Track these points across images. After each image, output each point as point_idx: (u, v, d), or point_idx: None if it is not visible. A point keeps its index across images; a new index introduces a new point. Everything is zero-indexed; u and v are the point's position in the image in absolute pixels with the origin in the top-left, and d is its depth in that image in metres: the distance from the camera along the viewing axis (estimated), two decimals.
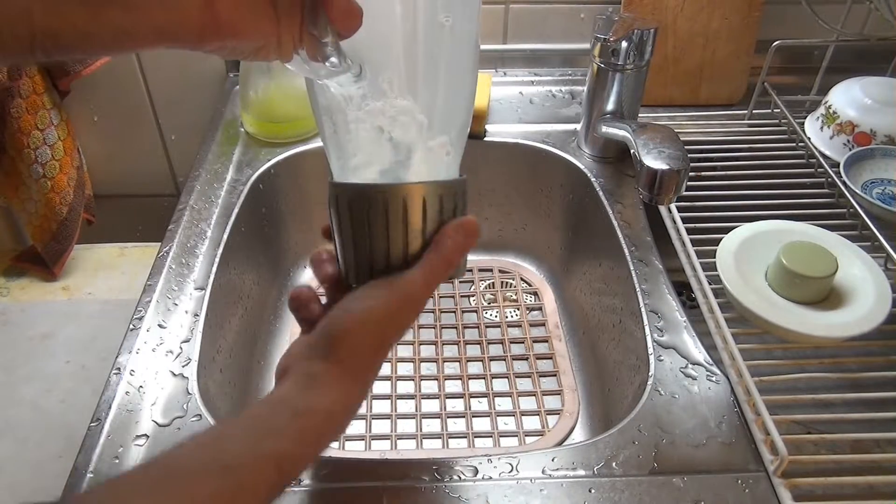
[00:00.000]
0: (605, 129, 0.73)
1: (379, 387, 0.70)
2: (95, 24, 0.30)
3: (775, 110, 0.81)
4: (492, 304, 0.79)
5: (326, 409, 0.37)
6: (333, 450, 0.63)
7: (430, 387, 0.70)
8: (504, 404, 0.68)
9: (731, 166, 0.75)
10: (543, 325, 0.77)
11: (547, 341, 0.75)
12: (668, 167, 0.57)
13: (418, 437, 0.65)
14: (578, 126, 0.80)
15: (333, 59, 0.37)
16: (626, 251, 0.67)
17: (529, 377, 0.71)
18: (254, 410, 0.37)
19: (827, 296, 0.57)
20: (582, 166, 0.78)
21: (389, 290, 0.40)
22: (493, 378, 0.71)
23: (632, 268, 0.65)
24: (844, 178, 0.68)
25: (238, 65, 0.81)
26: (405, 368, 0.72)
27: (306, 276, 0.82)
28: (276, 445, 0.34)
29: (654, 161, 0.58)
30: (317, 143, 0.80)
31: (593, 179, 0.76)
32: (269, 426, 0.35)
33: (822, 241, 0.59)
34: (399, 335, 0.41)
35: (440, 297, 0.80)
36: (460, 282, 0.82)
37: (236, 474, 0.32)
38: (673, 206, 0.68)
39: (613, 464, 0.49)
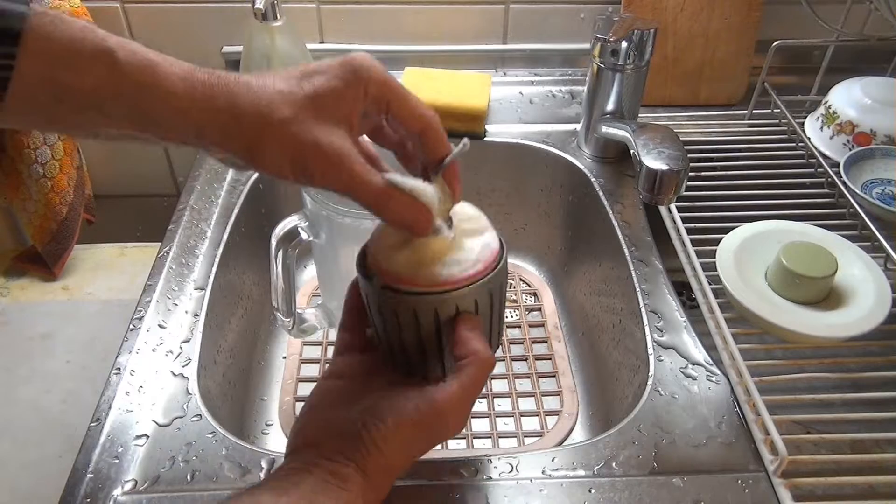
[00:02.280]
0: (604, 129, 0.73)
1: None
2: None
3: (775, 110, 0.81)
4: None
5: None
6: None
7: None
8: (504, 405, 0.68)
9: (731, 166, 0.75)
10: (543, 325, 0.77)
11: (546, 342, 0.75)
12: (668, 167, 0.57)
13: None
14: (578, 126, 0.80)
15: None
16: (626, 251, 0.67)
17: (529, 378, 0.71)
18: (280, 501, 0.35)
19: (827, 296, 0.57)
20: (582, 166, 0.78)
21: (423, 402, 0.38)
22: (492, 379, 0.71)
23: (632, 268, 0.65)
24: (844, 178, 0.68)
25: (238, 65, 0.81)
26: None
27: (306, 276, 0.82)
28: None
29: (653, 161, 0.58)
30: None
31: (593, 179, 0.76)
32: None
33: (822, 241, 0.59)
34: (428, 448, 0.39)
35: None
36: None
37: None
38: (673, 206, 0.68)
39: (613, 464, 0.49)
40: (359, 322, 0.45)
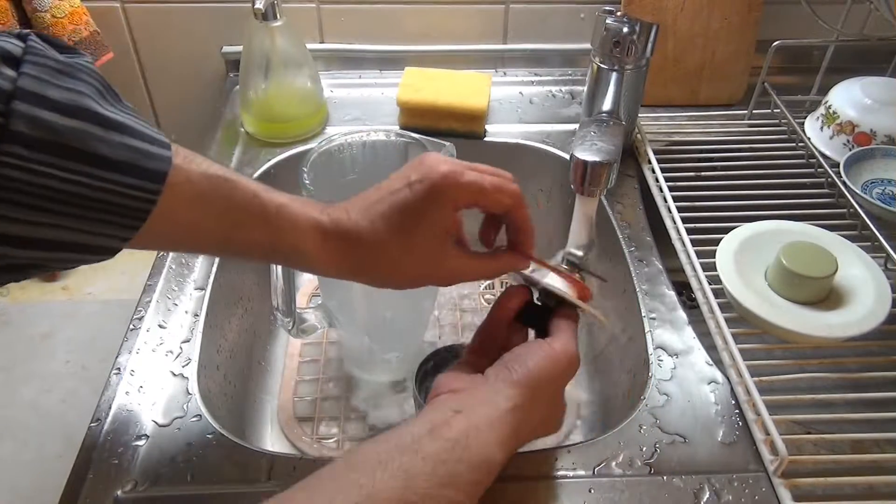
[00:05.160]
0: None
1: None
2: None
3: (775, 110, 0.81)
4: (491, 304, 0.79)
5: (500, 462, 0.39)
6: (334, 450, 0.63)
7: None
8: None
9: (731, 166, 0.75)
10: None
11: None
12: (596, 159, 0.57)
13: None
14: (578, 126, 0.80)
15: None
16: (625, 251, 0.67)
17: None
18: (437, 447, 0.37)
19: (827, 296, 0.57)
20: None
21: (546, 346, 0.44)
22: None
23: (632, 268, 0.65)
24: (844, 178, 0.68)
25: (238, 65, 0.81)
26: None
27: (306, 276, 0.82)
28: (453, 496, 0.36)
29: (583, 153, 0.58)
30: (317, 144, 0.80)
31: None
32: (451, 473, 0.37)
33: (822, 241, 0.59)
34: (559, 386, 0.45)
35: (440, 297, 0.80)
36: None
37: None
38: (673, 206, 0.68)
39: (613, 464, 0.49)
40: (490, 347, 0.47)
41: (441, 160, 0.42)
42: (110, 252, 0.37)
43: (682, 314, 0.61)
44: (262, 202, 0.41)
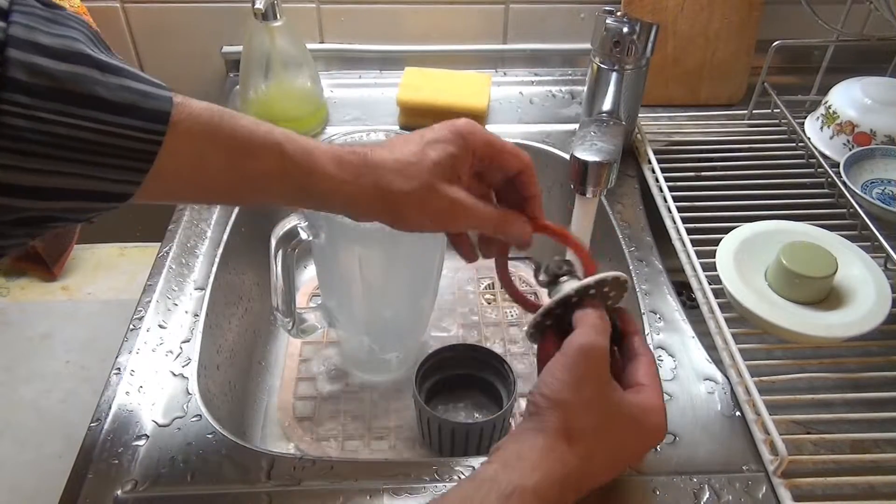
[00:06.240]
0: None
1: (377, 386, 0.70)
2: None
3: (775, 110, 0.81)
4: (491, 304, 0.79)
5: (533, 488, 0.38)
6: (333, 450, 0.63)
7: None
8: None
9: (731, 166, 0.75)
10: None
11: None
12: (595, 159, 0.57)
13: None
14: (578, 126, 0.80)
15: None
16: (625, 251, 0.67)
17: (529, 377, 0.71)
18: (471, 486, 0.38)
19: (827, 296, 0.57)
20: None
21: (565, 346, 0.42)
22: None
23: (632, 268, 0.65)
24: (844, 178, 0.68)
25: (238, 65, 0.81)
26: None
27: (306, 276, 0.82)
28: None
29: (583, 153, 0.58)
30: None
31: None
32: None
33: (821, 242, 0.59)
34: (592, 374, 0.41)
35: (440, 297, 0.80)
36: (460, 282, 0.82)
37: None
38: (673, 206, 0.68)
39: None
40: None
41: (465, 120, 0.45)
42: (122, 198, 0.37)
43: (681, 314, 0.61)
44: (269, 129, 0.41)
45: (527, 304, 0.51)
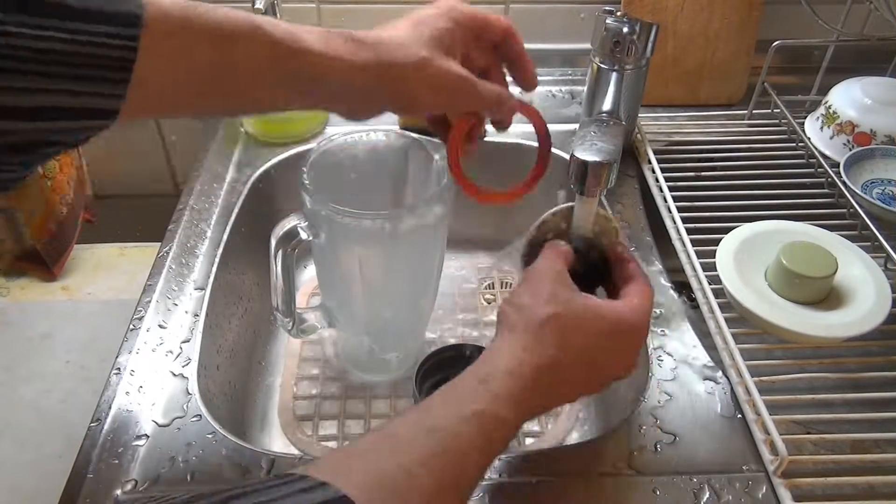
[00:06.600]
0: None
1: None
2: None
3: (775, 110, 0.81)
4: (491, 304, 0.79)
5: (506, 369, 0.40)
6: (332, 449, 0.63)
7: None
8: None
9: (731, 166, 0.75)
10: None
11: None
12: (595, 159, 0.57)
13: None
14: (578, 126, 0.80)
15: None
16: None
17: None
18: (453, 381, 0.40)
19: (827, 296, 0.57)
20: None
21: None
22: None
23: None
24: (844, 178, 0.68)
25: None
26: None
27: (306, 276, 0.82)
28: (474, 406, 0.38)
29: (583, 153, 0.58)
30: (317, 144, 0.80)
31: None
32: (463, 391, 0.39)
33: (821, 241, 0.59)
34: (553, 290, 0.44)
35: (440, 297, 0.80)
36: (460, 282, 0.81)
37: (439, 434, 0.36)
38: (673, 206, 0.68)
39: (613, 464, 0.49)
40: None
41: None
42: (109, 115, 0.35)
43: (681, 314, 0.61)
44: (247, 14, 0.39)
45: (468, 188, 0.52)
